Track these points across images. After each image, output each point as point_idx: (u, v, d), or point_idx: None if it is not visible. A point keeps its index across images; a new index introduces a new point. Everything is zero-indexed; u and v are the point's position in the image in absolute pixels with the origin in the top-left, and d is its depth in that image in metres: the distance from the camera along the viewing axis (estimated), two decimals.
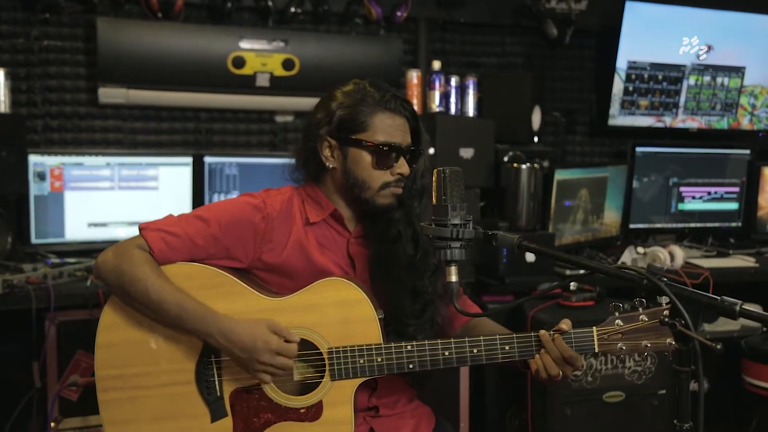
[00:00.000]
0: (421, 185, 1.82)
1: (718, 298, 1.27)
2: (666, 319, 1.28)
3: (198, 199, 3.16)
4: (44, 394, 2.76)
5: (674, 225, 3.90)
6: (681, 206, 3.90)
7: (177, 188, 3.15)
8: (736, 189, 3.98)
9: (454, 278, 1.56)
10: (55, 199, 3.00)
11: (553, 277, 3.17)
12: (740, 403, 3.70)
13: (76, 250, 3.04)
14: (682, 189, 3.89)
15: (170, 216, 1.76)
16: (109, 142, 3.28)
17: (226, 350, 1.66)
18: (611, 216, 3.67)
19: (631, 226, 3.80)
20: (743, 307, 1.24)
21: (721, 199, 3.97)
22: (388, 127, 1.77)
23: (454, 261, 1.55)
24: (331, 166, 1.81)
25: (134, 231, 3.07)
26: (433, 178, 1.58)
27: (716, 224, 3.97)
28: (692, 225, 3.93)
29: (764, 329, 3.83)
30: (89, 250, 3.05)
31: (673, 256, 3.42)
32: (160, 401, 1.69)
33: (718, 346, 1.21)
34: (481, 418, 3.12)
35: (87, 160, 3.04)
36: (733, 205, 3.99)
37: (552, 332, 1.63)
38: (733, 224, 4.00)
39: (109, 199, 3.07)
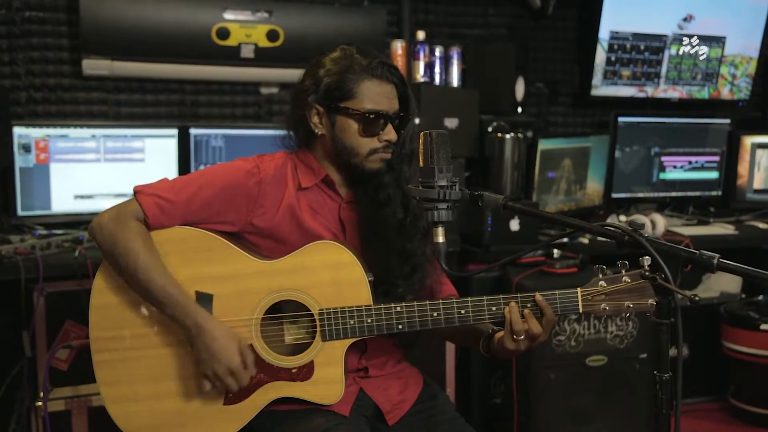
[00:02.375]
0: (410, 150, 1.84)
1: (697, 252, 1.32)
2: (647, 273, 1.32)
3: (184, 171, 3.17)
4: (34, 364, 2.78)
5: (656, 194, 3.95)
6: (662, 176, 3.95)
7: (163, 160, 3.15)
8: (717, 158, 4.04)
9: (441, 239, 1.59)
10: (41, 171, 3.00)
11: (538, 245, 3.21)
12: (719, 369, 3.79)
13: (62, 222, 3.04)
14: (663, 158, 3.94)
15: (165, 180, 1.77)
16: (94, 115, 3.27)
17: (192, 342, 1.68)
18: (593, 186, 3.73)
19: (614, 195, 3.85)
20: (721, 260, 1.28)
21: (702, 168, 4.03)
22: (375, 95, 1.78)
23: (441, 222, 1.58)
24: (319, 132, 1.82)
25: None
26: (420, 141, 1.60)
27: (697, 193, 4.03)
28: (673, 194, 3.99)
29: (743, 295, 3.92)
30: (76, 222, 3.06)
31: (655, 224, 3.49)
32: (154, 362, 1.72)
33: (696, 297, 1.25)
34: (467, 383, 3.18)
35: (72, 132, 3.04)
36: (714, 174, 4.05)
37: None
38: (713, 193, 4.06)
39: (94, 171, 3.07)
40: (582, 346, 2.93)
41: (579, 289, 1.67)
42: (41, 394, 2.71)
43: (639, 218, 3.50)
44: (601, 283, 1.65)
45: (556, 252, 3.11)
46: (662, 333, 1.33)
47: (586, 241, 3.30)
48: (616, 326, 2.95)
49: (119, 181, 3.10)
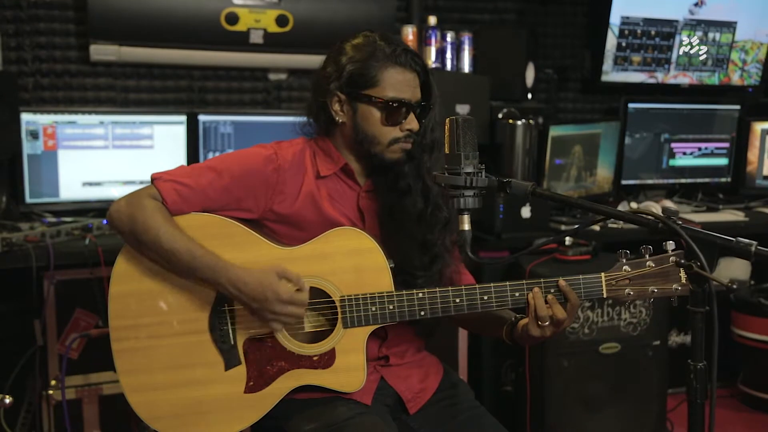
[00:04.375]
0: (431, 139, 1.82)
1: (733, 239, 1.29)
2: (682, 261, 1.30)
3: (193, 158, 3.14)
4: (44, 352, 2.76)
5: (665, 181, 3.93)
6: (672, 162, 3.93)
7: (172, 147, 3.13)
8: (726, 144, 4.01)
9: (467, 227, 1.57)
10: (49, 158, 2.97)
11: (549, 232, 3.20)
12: (729, 355, 3.78)
13: (71, 210, 3.02)
14: (673, 145, 3.91)
15: (182, 166, 1.75)
16: (101, 101, 3.24)
17: (237, 300, 1.67)
18: (603, 172, 3.70)
19: (623, 182, 3.82)
20: (758, 247, 1.26)
21: (711, 154, 4.00)
22: (398, 83, 1.76)
23: (467, 209, 1.56)
24: (340, 120, 1.80)
25: (127, 191, 3.09)
26: (446, 127, 1.58)
27: (706, 180, 4.01)
28: (682, 181, 3.96)
29: (752, 282, 3.90)
30: (84, 209, 3.04)
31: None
32: (173, 350, 1.70)
33: (734, 286, 1.23)
34: (478, 371, 3.16)
35: (80, 118, 3.01)
36: (723, 161, 4.02)
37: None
38: (723, 179, 4.04)
39: (103, 157, 3.05)
40: (595, 333, 2.91)
41: (603, 274, 1.65)
42: (53, 383, 2.70)
43: (650, 207, 3.49)
44: (625, 267, 1.64)
45: (567, 239, 3.09)
46: (697, 321, 1.31)
47: (597, 228, 3.28)
48: (629, 313, 2.94)
49: (128, 168, 3.07)
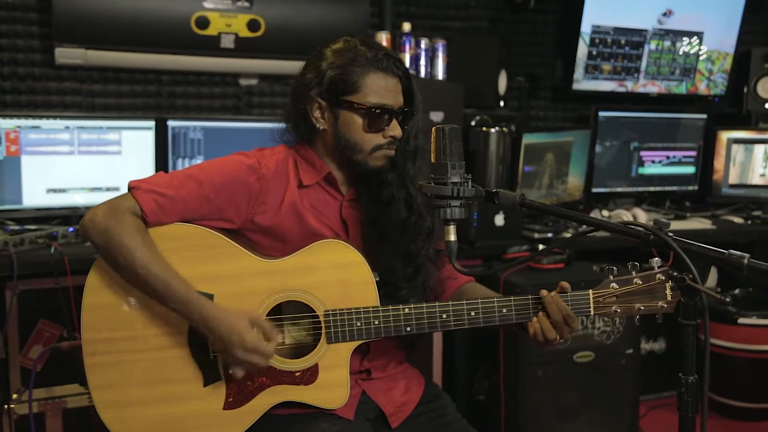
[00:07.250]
0: (414, 146, 1.79)
1: (726, 252, 1.29)
2: (674, 273, 1.30)
3: (162, 164, 3.06)
4: (5, 364, 2.66)
5: (634, 189, 3.96)
6: (641, 170, 3.96)
7: (140, 153, 3.05)
8: (693, 153, 4.06)
9: (452, 237, 1.54)
10: (12, 163, 2.87)
11: (522, 240, 3.19)
12: (697, 362, 3.81)
13: (34, 217, 2.93)
14: (642, 153, 3.95)
15: (161, 174, 1.69)
16: (67, 105, 3.15)
17: (206, 336, 1.62)
18: (574, 180, 3.71)
19: (593, 190, 3.84)
20: (751, 260, 1.25)
21: (679, 163, 4.04)
22: (380, 89, 1.73)
23: (453, 220, 1.53)
24: (321, 128, 1.76)
25: (93, 197, 2.97)
26: (432, 137, 1.55)
27: (674, 188, 4.05)
28: (651, 189, 4.00)
29: (719, 289, 3.95)
30: (49, 216, 2.95)
31: (636, 219, 3.49)
32: (150, 365, 1.64)
33: (727, 299, 1.22)
34: (451, 379, 3.14)
35: (45, 123, 2.91)
36: (690, 169, 4.07)
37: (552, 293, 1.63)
38: (690, 188, 4.08)
39: (68, 164, 2.95)
40: (570, 342, 2.91)
41: (591, 291, 1.64)
42: (14, 396, 2.61)
43: (622, 215, 3.50)
44: (612, 285, 1.63)
45: (540, 247, 3.09)
46: (688, 334, 1.30)
47: (568, 235, 3.28)
48: (603, 322, 2.94)
49: (94, 174, 2.98)
